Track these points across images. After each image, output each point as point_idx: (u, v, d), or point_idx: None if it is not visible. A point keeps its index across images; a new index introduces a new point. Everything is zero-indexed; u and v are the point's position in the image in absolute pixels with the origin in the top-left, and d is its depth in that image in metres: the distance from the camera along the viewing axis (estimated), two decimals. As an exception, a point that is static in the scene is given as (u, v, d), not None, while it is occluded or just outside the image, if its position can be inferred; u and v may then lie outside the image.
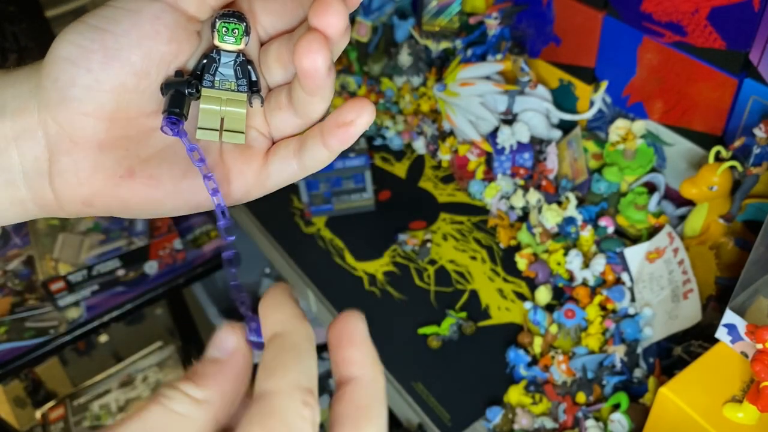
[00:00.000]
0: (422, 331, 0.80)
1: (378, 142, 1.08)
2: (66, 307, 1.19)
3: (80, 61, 0.29)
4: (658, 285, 0.76)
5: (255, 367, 0.26)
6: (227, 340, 0.25)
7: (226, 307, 1.48)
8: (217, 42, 0.31)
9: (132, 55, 0.29)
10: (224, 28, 0.31)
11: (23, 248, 1.27)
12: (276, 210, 1.01)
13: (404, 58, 1.10)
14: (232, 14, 0.31)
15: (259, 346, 0.26)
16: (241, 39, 0.31)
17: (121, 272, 1.21)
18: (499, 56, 0.98)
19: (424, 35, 1.10)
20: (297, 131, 0.33)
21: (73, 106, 0.29)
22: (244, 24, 0.31)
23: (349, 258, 0.91)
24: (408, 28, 1.12)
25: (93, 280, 1.19)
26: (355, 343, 0.26)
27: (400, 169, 1.04)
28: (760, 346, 0.52)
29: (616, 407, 0.68)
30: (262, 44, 0.33)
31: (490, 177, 0.96)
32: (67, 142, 0.30)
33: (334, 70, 0.29)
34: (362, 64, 1.16)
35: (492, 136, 0.95)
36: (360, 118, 0.30)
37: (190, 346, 1.58)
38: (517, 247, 0.88)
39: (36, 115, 0.30)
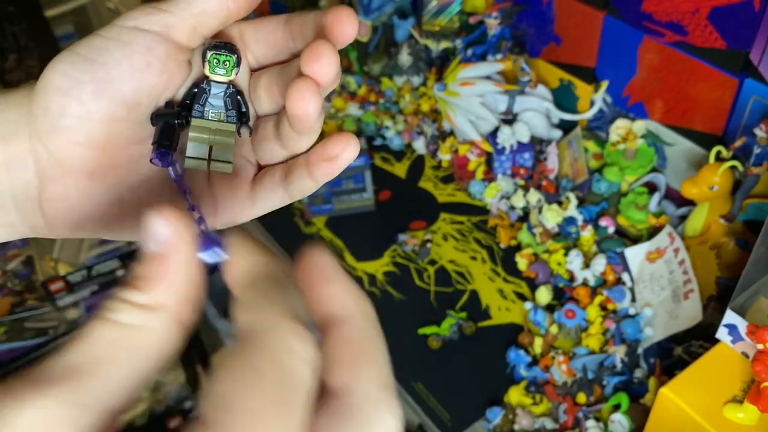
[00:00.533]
0: (422, 331, 0.80)
1: (378, 142, 1.08)
2: (66, 308, 1.19)
3: (71, 91, 0.29)
4: (659, 285, 0.76)
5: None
6: (158, 228, 0.21)
7: (226, 308, 1.48)
8: (207, 73, 0.31)
9: (123, 87, 0.29)
10: (215, 60, 0.31)
11: (23, 248, 1.26)
12: (276, 210, 1.00)
13: (404, 57, 1.10)
14: (224, 46, 0.31)
15: (210, 247, 0.23)
16: (231, 71, 0.31)
17: (120, 272, 1.21)
18: (499, 56, 0.98)
19: (424, 35, 1.10)
20: (283, 160, 0.33)
21: (64, 135, 0.29)
22: (235, 56, 0.31)
23: (349, 258, 0.91)
24: (408, 28, 1.12)
25: (93, 280, 1.18)
26: (329, 278, 0.21)
27: (400, 169, 1.04)
28: (760, 346, 0.52)
29: (616, 407, 0.68)
30: (252, 71, 0.33)
31: (490, 177, 0.96)
32: (58, 170, 0.30)
33: (323, 111, 0.29)
34: (362, 64, 1.16)
35: (492, 135, 0.95)
36: (344, 152, 0.30)
37: (190, 347, 1.58)
38: (518, 247, 0.88)
39: (27, 143, 0.30)
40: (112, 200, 0.31)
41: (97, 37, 0.29)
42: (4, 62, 1.48)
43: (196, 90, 0.32)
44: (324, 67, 0.27)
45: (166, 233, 0.21)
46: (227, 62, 0.31)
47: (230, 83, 0.32)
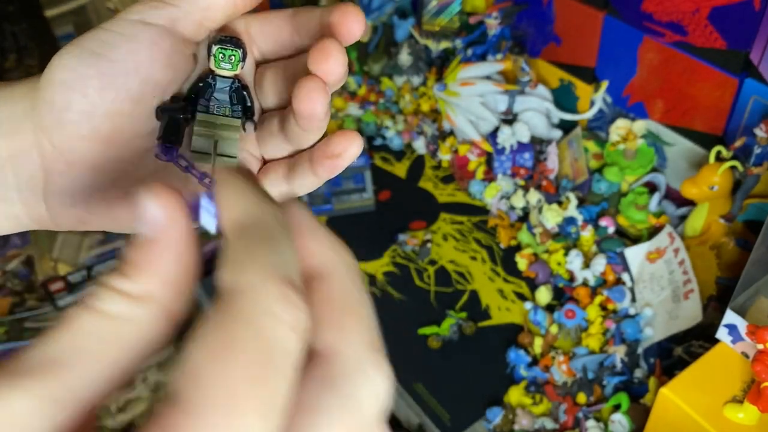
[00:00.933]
0: (422, 331, 0.80)
1: (378, 142, 1.08)
2: (65, 308, 1.19)
3: (76, 85, 0.28)
4: (659, 285, 0.76)
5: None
6: (151, 210, 0.19)
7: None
8: (213, 67, 0.31)
9: (128, 82, 0.29)
10: (221, 54, 0.30)
11: (22, 248, 1.26)
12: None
13: (404, 57, 1.10)
14: (229, 40, 0.31)
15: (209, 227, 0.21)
16: (237, 65, 0.31)
17: (120, 272, 1.21)
18: (499, 56, 0.98)
19: (424, 35, 1.10)
20: (288, 155, 0.33)
21: (68, 129, 0.29)
22: (241, 50, 0.31)
23: (349, 258, 0.91)
24: (408, 28, 1.12)
25: (93, 280, 1.18)
26: (307, 231, 0.20)
27: (400, 169, 1.04)
28: (760, 346, 0.52)
29: (616, 408, 0.68)
30: (257, 65, 0.33)
31: (490, 177, 0.96)
32: (63, 163, 0.30)
33: (329, 109, 0.29)
34: (362, 64, 1.16)
35: (492, 135, 0.95)
36: (347, 151, 0.30)
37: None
38: (518, 247, 0.88)
39: (31, 136, 0.30)
40: (117, 194, 0.31)
41: (102, 31, 0.29)
42: (4, 62, 1.48)
43: (201, 84, 0.32)
44: (332, 65, 0.28)
45: (158, 216, 0.19)
46: (233, 57, 0.31)
47: (236, 78, 0.31)
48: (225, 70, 0.31)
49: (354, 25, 0.29)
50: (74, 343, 0.18)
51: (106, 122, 0.29)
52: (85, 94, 0.29)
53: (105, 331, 0.18)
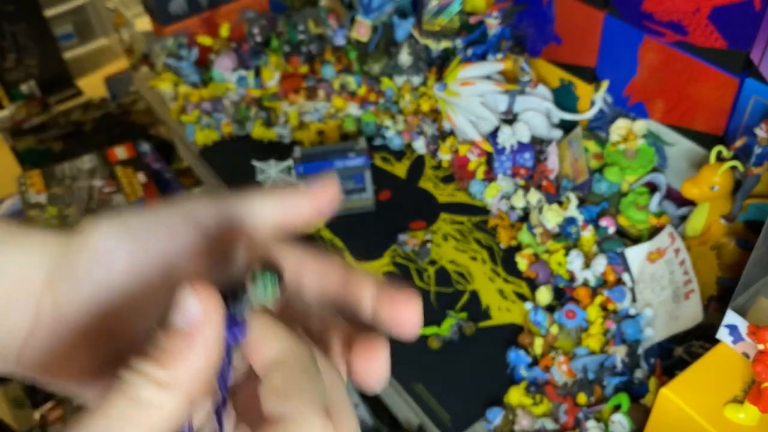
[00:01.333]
0: (422, 331, 0.80)
1: (378, 142, 1.08)
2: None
3: (104, 259, 0.27)
4: (659, 285, 0.76)
5: None
6: (190, 305, 0.22)
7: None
8: (249, 292, 0.26)
9: (154, 272, 0.28)
10: (260, 282, 0.26)
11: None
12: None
13: (404, 57, 1.09)
14: (271, 270, 0.27)
15: (233, 337, 0.24)
16: (272, 297, 0.27)
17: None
18: (499, 56, 0.98)
19: (425, 34, 1.10)
20: None
21: (79, 296, 0.28)
22: (279, 282, 0.27)
23: (349, 258, 0.91)
24: (408, 28, 1.12)
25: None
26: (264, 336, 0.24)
27: (400, 169, 1.04)
28: (761, 346, 0.52)
29: (617, 408, 0.68)
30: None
31: (490, 177, 0.96)
32: (55, 325, 0.28)
33: None
34: (362, 64, 1.16)
35: (492, 135, 0.95)
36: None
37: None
38: (518, 248, 0.88)
39: (38, 287, 0.28)
40: (95, 367, 0.29)
41: (149, 214, 0.28)
42: (4, 62, 1.48)
43: (229, 296, 0.27)
44: (374, 369, 0.29)
45: (196, 311, 0.21)
46: (269, 288, 0.27)
47: (265, 305, 0.28)
48: (259, 298, 0.27)
49: (409, 328, 0.29)
50: (110, 429, 0.20)
51: (117, 302, 0.28)
52: (108, 270, 0.27)
53: (137, 416, 0.20)
